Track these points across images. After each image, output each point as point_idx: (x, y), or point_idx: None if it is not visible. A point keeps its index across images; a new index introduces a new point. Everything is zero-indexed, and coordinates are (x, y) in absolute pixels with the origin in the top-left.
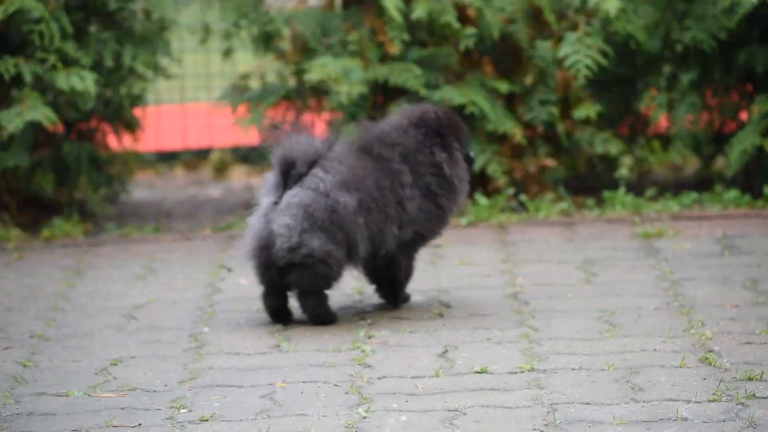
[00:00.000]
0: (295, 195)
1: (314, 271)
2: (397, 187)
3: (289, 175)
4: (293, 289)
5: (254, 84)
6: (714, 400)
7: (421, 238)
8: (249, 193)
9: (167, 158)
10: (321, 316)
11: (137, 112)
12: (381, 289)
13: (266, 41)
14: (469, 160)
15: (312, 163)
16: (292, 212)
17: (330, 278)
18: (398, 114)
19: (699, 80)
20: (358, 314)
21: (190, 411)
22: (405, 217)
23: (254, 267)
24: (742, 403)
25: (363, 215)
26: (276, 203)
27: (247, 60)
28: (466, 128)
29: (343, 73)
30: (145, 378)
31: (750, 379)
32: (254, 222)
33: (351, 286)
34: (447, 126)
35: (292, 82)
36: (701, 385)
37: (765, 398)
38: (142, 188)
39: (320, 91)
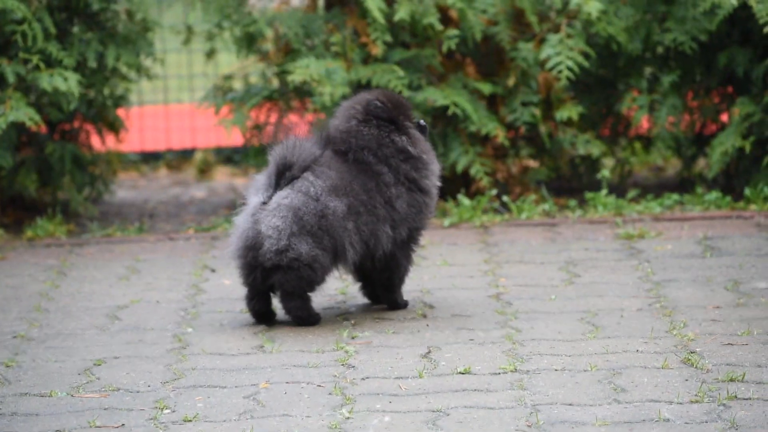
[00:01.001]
0: (286, 197)
1: (299, 275)
2: (382, 188)
3: (283, 176)
4: (277, 291)
5: (237, 85)
6: (696, 401)
7: (417, 231)
8: (232, 194)
9: (151, 159)
10: (304, 318)
11: (120, 112)
12: (370, 290)
13: (249, 42)
14: (422, 129)
15: (306, 168)
16: (282, 214)
17: (314, 282)
18: (342, 116)
19: (680, 82)
20: (342, 315)
21: (174, 411)
22: (396, 216)
23: (239, 267)
24: (724, 404)
25: (353, 220)
26: (264, 203)
27: (230, 61)
28: (406, 101)
29: (326, 75)
30: (129, 378)
31: (732, 380)
32: (241, 222)
33: (334, 287)
34: (393, 109)
35: (275, 83)
36: (683, 386)
37: (747, 399)
38: (126, 189)
39: (303, 92)
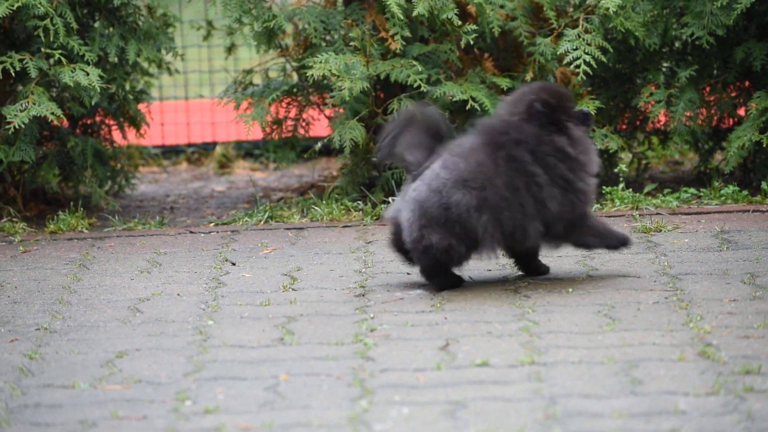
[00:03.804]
0: (415, 189)
1: (436, 260)
2: (533, 188)
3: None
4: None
5: (257, 80)
6: (712, 394)
7: (580, 218)
8: (252, 188)
9: (171, 153)
10: (446, 288)
11: (141, 107)
12: (522, 264)
13: (269, 37)
14: (585, 118)
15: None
16: (411, 207)
17: (451, 265)
18: (505, 109)
19: (697, 76)
20: (361, 308)
21: (195, 403)
22: (549, 215)
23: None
24: (740, 397)
25: (488, 213)
26: (416, 175)
27: (250, 56)
28: (569, 93)
29: (345, 69)
30: (150, 370)
31: (748, 372)
32: (396, 202)
33: (353, 281)
34: (556, 109)
35: (294, 78)
36: (699, 378)
37: (763, 391)
38: (147, 183)
39: (323, 87)
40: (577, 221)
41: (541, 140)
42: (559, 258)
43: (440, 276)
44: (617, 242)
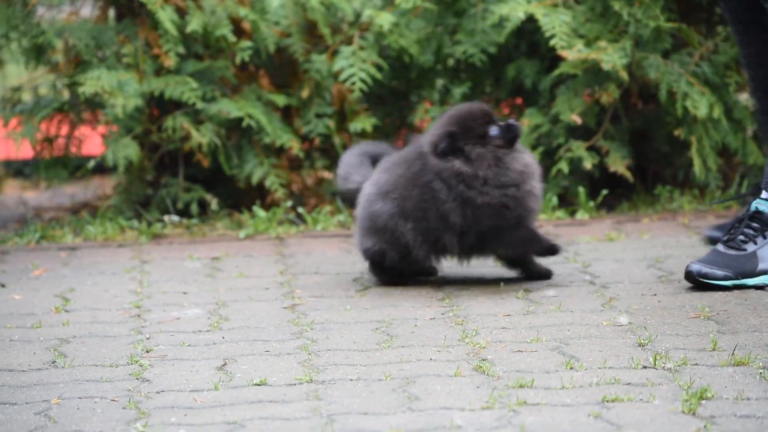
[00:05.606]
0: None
1: (376, 262)
2: (439, 203)
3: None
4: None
5: (27, 97)
6: (487, 408)
7: (490, 231)
8: (22, 208)
9: None
10: (389, 283)
11: None
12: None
13: (38, 53)
14: (510, 128)
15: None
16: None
17: (392, 267)
18: (427, 133)
19: (471, 93)
20: (136, 329)
21: None
22: (455, 228)
23: None
24: (513, 410)
25: (411, 220)
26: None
27: (18, 72)
28: (477, 114)
29: (117, 86)
30: None
31: (521, 386)
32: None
33: (128, 301)
34: (458, 137)
35: (65, 94)
36: (475, 393)
37: (535, 405)
38: None
39: (95, 104)
40: (489, 233)
41: (442, 167)
42: (337, 275)
43: (382, 273)
44: (542, 249)
